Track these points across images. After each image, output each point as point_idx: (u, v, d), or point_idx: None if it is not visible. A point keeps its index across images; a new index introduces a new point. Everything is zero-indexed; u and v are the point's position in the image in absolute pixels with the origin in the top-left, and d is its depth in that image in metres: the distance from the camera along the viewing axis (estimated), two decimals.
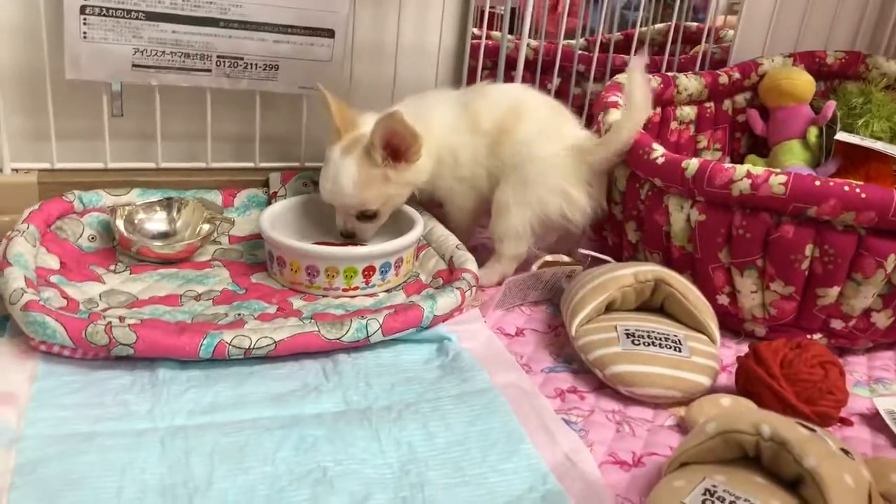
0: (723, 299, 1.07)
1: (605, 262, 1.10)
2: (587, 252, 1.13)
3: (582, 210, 1.15)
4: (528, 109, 1.17)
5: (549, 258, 1.12)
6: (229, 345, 0.89)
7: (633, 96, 1.11)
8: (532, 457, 0.80)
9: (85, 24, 1.11)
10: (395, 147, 1.09)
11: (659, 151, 1.09)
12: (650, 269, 1.02)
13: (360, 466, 0.77)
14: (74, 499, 0.70)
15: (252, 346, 0.90)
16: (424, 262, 1.17)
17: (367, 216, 1.14)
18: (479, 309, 1.07)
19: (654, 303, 1.04)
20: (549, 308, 1.13)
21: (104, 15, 1.12)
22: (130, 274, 1.08)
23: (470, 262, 1.11)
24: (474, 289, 1.07)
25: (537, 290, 1.11)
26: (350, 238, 1.16)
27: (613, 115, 1.19)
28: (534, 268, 1.12)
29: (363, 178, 1.10)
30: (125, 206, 1.15)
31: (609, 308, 1.02)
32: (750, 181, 0.99)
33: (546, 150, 1.14)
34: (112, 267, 1.09)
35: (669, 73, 1.45)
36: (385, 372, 0.93)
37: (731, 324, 1.08)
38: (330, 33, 1.24)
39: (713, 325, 0.99)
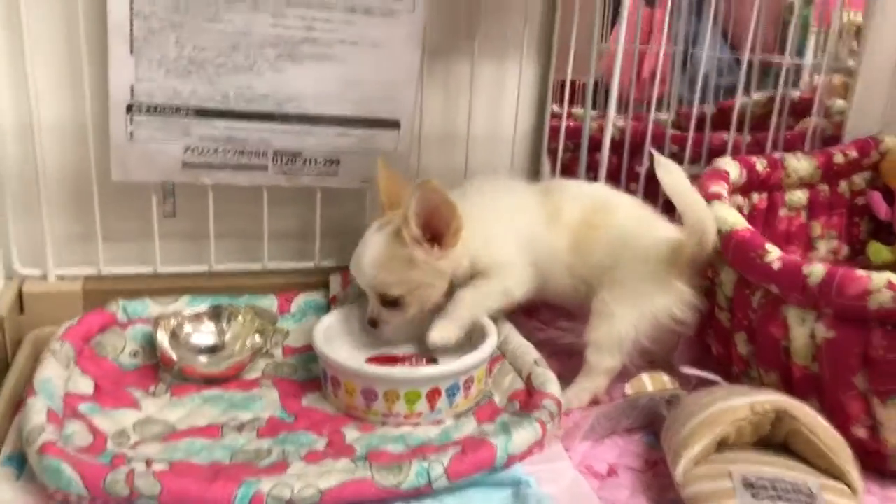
0: (860, 432, 0.88)
1: (713, 382, 0.93)
2: (691, 371, 0.96)
3: (694, 308, 1.01)
4: (616, 204, 1.07)
5: (644, 377, 0.96)
6: (268, 496, 0.76)
7: (686, 194, 0.99)
8: None
9: (131, 123, 1.04)
10: (435, 228, 0.97)
11: (774, 254, 0.92)
12: (769, 400, 0.85)
13: None
14: None
15: (293, 498, 0.77)
16: (499, 379, 1.02)
17: (389, 303, 1.00)
18: (562, 442, 0.91)
19: (776, 437, 0.86)
20: (646, 438, 0.96)
21: (152, 113, 1.04)
22: (171, 397, 0.97)
23: (551, 384, 0.95)
24: (556, 419, 0.92)
25: (630, 417, 0.95)
26: (374, 326, 1.03)
27: (715, 210, 1.03)
28: (627, 389, 0.95)
29: (385, 257, 0.98)
30: (171, 316, 1.05)
31: (721, 445, 0.85)
32: (892, 293, 0.81)
33: (646, 244, 1.02)
34: (152, 389, 0.98)
35: (776, 154, 1.29)
36: None
37: (872, 462, 0.89)
38: (395, 124, 1.14)
39: (853, 471, 0.81)
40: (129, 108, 1.03)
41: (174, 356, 0.99)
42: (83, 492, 0.75)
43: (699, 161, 1.41)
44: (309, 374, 1.04)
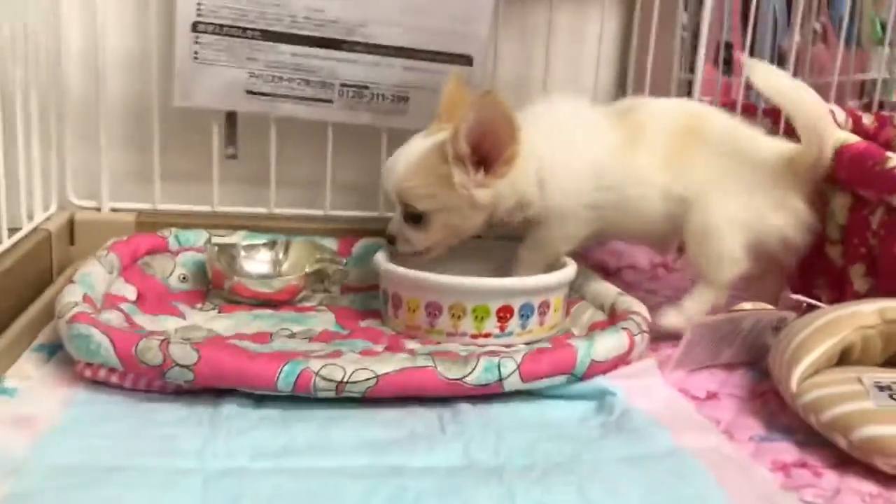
0: None
1: None
2: (800, 297, 0.84)
3: (809, 228, 0.88)
4: (710, 112, 0.94)
5: (747, 305, 0.84)
6: (316, 374, 0.67)
7: (798, 92, 0.86)
8: None
9: (197, 42, 1.00)
10: (488, 150, 0.84)
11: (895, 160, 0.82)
12: None
13: None
14: None
15: (346, 380, 0.67)
16: (577, 316, 0.91)
17: (412, 218, 0.87)
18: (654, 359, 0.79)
19: None
20: (750, 372, 0.83)
21: (218, 33, 1.00)
22: (219, 313, 0.89)
23: (638, 305, 0.85)
24: (646, 335, 0.80)
25: (733, 345, 0.82)
26: (391, 243, 0.90)
27: None
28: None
29: (421, 165, 0.86)
30: (226, 244, 0.98)
31: (843, 359, 0.72)
32: None
33: (758, 151, 0.89)
34: (199, 305, 0.91)
35: (884, 112, 1.18)
36: (524, 427, 0.67)
37: None
38: (468, 60, 1.08)
39: None
40: (196, 27, 1.00)
41: (225, 274, 0.92)
42: (113, 360, 0.67)
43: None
44: (368, 307, 0.95)
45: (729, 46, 1.77)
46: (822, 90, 1.32)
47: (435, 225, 0.87)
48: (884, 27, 1.36)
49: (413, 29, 1.05)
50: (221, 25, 1.00)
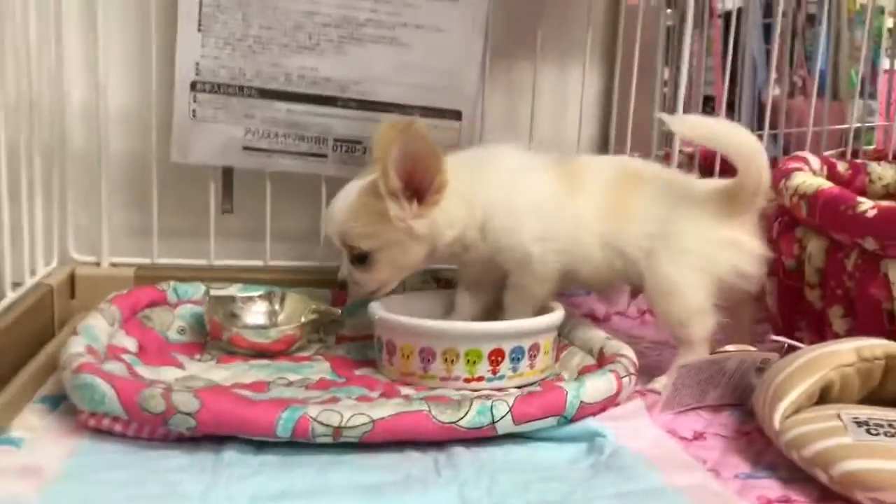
0: None
1: None
2: (781, 339, 0.87)
3: (759, 258, 0.90)
4: (644, 170, 0.96)
5: (730, 348, 0.86)
6: (314, 420, 0.69)
7: (730, 129, 0.90)
8: None
9: (195, 101, 1.04)
10: (417, 181, 0.86)
11: (867, 204, 0.85)
12: (879, 344, 0.76)
13: None
14: None
15: (343, 425, 0.69)
16: (567, 361, 0.94)
17: (358, 259, 0.90)
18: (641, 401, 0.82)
19: (888, 392, 0.76)
20: (735, 413, 0.85)
21: (216, 92, 1.04)
22: (217, 363, 0.91)
23: (625, 348, 0.87)
24: (633, 377, 0.83)
25: (718, 386, 0.85)
26: (343, 288, 0.94)
27: (797, 178, 0.97)
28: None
29: (357, 205, 0.89)
30: (223, 296, 1.00)
31: (824, 397, 0.75)
32: None
33: (691, 203, 0.91)
34: (198, 357, 0.93)
35: (858, 160, 1.22)
36: (517, 469, 0.69)
37: None
38: (456, 115, 1.12)
39: None
40: (194, 86, 1.04)
41: (223, 326, 0.94)
42: (117, 408, 0.69)
43: None
44: (362, 357, 0.97)
45: (710, 100, 1.83)
46: (801, 139, 1.38)
47: (381, 262, 0.90)
48: (863, 81, 1.43)
49: (405, 85, 1.09)
50: (219, 84, 1.04)
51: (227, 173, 1.12)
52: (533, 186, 0.92)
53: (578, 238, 0.91)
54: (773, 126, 1.57)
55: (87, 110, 1.08)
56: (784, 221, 1.00)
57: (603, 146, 1.24)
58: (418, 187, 0.87)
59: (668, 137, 1.22)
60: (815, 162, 1.10)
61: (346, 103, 1.08)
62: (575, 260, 0.92)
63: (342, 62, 1.06)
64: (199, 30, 1.02)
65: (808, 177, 0.96)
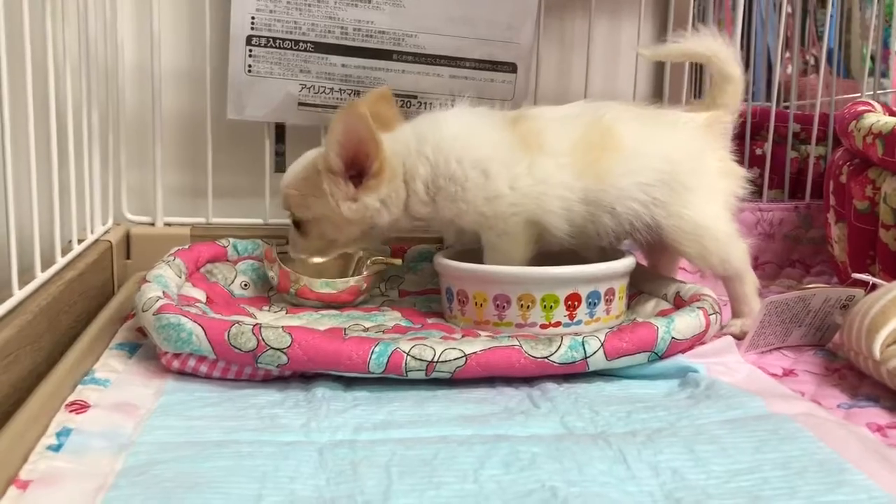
0: None
1: None
2: (864, 276, 0.85)
3: (744, 180, 0.92)
4: (613, 121, 0.88)
5: (811, 286, 0.85)
6: (407, 354, 0.67)
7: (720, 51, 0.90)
8: (872, 489, 0.52)
9: (250, 55, 1.03)
10: (358, 163, 0.85)
11: None
12: None
13: (602, 489, 0.51)
14: (195, 502, 0.48)
15: (437, 359, 0.68)
16: (639, 307, 0.92)
17: (295, 224, 0.92)
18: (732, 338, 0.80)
19: None
20: (818, 353, 0.84)
21: (271, 46, 1.03)
22: (287, 313, 0.90)
23: (706, 290, 0.85)
24: (719, 316, 0.81)
25: (801, 325, 0.83)
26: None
27: (870, 119, 0.95)
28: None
29: (302, 175, 0.89)
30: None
31: None
32: None
33: (676, 144, 0.89)
34: (266, 308, 0.91)
35: None
36: (614, 401, 0.68)
37: None
38: (511, 67, 1.10)
39: None
40: (249, 40, 1.02)
41: (291, 277, 0.93)
42: (206, 347, 0.68)
43: (825, 140, 1.33)
44: (429, 309, 0.95)
45: None
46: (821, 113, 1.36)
47: (312, 232, 0.91)
48: (873, 58, 1.42)
49: (460, 38, 1.07)
50: (274, 38, 1.03)
51: (281, 131, 1.10)
52: (473, 148, 0.87)
53: (542, 191, 0.86)
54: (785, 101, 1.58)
55: (140, 68, 1.07)
56: (854, 165, 0.99)
57: (657, 98, 1.22)
58: (360, 170, 0.86)
59: None
60: (878, 107, 1.08)
61: (402, 57, 1.06)
62: (544, 212, 0.86)
63: (398, 15, 1.05)
64: None
65: (881, 116, 0.94)
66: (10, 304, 0.64)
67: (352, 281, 0.95)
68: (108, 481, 0.50)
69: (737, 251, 0.89)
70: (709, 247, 0.88)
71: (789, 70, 1.63)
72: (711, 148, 0.91)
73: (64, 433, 0.56)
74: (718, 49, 0.90)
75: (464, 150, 0.86)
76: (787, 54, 1.71)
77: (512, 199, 0.86)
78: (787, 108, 1.50)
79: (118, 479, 0.50)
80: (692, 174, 0.88)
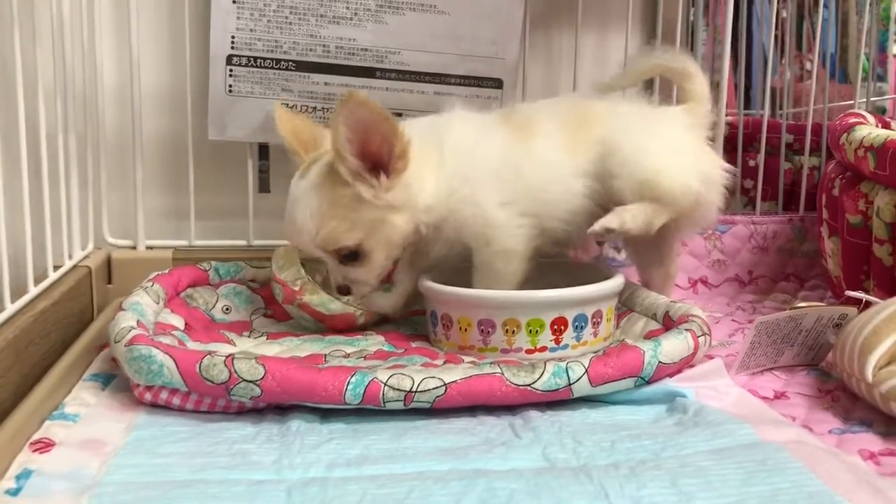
0: None
1: None
2: (857, 294, 0.83)
3: (720, 166, 0.91)
4: (599, 104, 0.92)
5: (801, 304, 0.83)
6: (385, 384, 0.65)
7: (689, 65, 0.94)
8: None
9: (231, 75, 1.01)
10: (375, 153, 0.79)
11: None
12: None
13: None
14: None
15: (415, 388, 0.66)
16: (628, 327, 0.90)
17: (349, 258, 0.82)
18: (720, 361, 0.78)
19: None
20: (811, 372, 0.82)
21: (252, 65, 1.01)
22: (267, 339, 0.88)
23: (695, 309, 0.83)
24: (708, 338, 0.79)
25: (794, 344, 0.81)
26: (349, 292, 0.86)
27: (861, 131, 0.93)
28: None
29: (326, 202, 0.79)
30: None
31: None
32: None
33: (655, 118, 0.92)
34: (246, 333, 0.89)
35: None
36: (598, 429, 0.66)
37: None
38: (497, 83, 1.09)
39: None
40: (229, 60, 1.01)
41: (296, 287, 0.89)
42: (177, 380, 0.66)
43: (818, 151, 1.31)
44: (415, 331, 0.93)
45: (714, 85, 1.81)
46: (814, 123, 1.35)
47: (374, 249, 0.82)
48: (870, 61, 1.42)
49: (444, 54, 1.06)
50: (255, 58, 1.01)
51: (264, 151, 1.09)
52: (487, 150, 0.86)
53: (548, 181, 0.86)
54: (780, 108, 1.57)
55: (120, 90, 1.05)
56: (846, 178, 0.97)
57: None
58: (378, 159, 0.79)
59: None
60: (871, 120, 1.07)
61: (385, 74, 1.05)
62: (549, 211, 0.86)
63: (380, 32, 1.03)
64: (234, 1, 0.99)
65: (873, 128, 0.93)
66: None
67: (350, 308, 0.91)
68: None
69: (681, 191, 0.87)
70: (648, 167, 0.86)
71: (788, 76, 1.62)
72: (684, 128, 0.91)
73: (24, 475, 0.54)
74: (668, 60, 0.94)
75: (478, 150, 0.85)
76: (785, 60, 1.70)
77: (526, 205, 0.85)
78: (788, 115, 1.48)
79: None
80: (663, 136, 0.89)
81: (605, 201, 0.88)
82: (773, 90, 1.54)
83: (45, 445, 0.59)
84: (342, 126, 0.76)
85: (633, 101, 0.95)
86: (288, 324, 0.94)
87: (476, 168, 0.85)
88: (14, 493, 0.52)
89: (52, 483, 0.53)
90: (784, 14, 1.77)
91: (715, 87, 1.74)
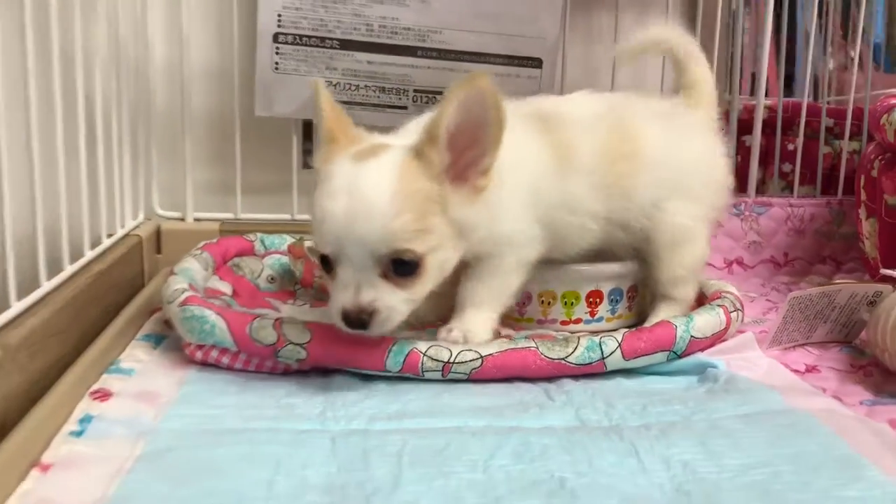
0: None
1: None
2: (892, 272, 0.84)
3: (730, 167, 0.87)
4: (632, 118, 0.83)
5: (837, 281, 0.84)
6: (424, 355, 0.68)
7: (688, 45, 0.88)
8: (887, 485, 0.51)
9: (277, 53, 1.04)
10: (461, 159, 0.66)
11: None
12: None
13: (612, 481, 0.52)
14: (208, 487, 0.49)
15: (453, 360, 0.68)
16: None
17: (403, 271, 0.64)
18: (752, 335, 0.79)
19: None
20: (844, 349, 0.83)
21: (297, 44, 1.04)
22: (311, 307, 0.91)
23: (729, 286, 0.85)
24: (741, 313, 0.80)
25: (827, 321, 0.82)
26: (360, 326, 0.64)
27: None
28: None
29: (409, 189, 0.64)
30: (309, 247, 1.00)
31: None
32: None
33: (682, 121, 0.85)
34: (290, 301, 0.93)
35: None
36: (630, 395, 0.67)
37: None
38: (537, 62, 1.10)
39: None
40: (276, 38, 1.03)
41: (315, 273, 0.94)
42: (227, 340, 0.69)
43: (859, 135, 1.31)
44: (450, 303, 0.95)
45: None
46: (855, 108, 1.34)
47: (430, 270, 0.66)
48: None
49: (485, 34, 1.08)
50: (301, 36, 1.04)
51: (308, 127, 1.12)
52: (531, 169, 0.75)
53: (571, 217, 0.79)
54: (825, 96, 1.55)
55: (169, 66, 1.09)
56: (886, 159, 0.97)
57: None
58: (461, 166, 0.67)
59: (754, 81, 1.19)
60: None
61: (427, 53, 1.07)
62: (558, 238, 0.79)
63: (423, 12, 1.05)
64: None
65: None
66: (36, 295, 0.66)
67: None
68: (126, 466, 0.51)
69: (695, 283, 0.85)
70: (686, 261, 0.83)
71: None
72: (705, 132, 0.86)
73: (86, 419, 0.57)
74: (673, 37, 0.88)
75: (515, 160, 0.73)
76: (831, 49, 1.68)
77: (546, 230, 0.77)
78: (828, 103, 1.47)
79: (136, 464, 0.52)
80: (693, 178, 0.83)
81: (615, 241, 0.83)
82: (816, 78, 1.53)
83: (103, 395, 0.62)
84: (454, 110, 0.64)
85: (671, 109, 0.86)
86: None
87: (516, 174, 0.73)
88: (78, 434, 0.55)
89: (111, 427, 0.57)
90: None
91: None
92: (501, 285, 0.77)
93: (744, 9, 1.35)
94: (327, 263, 0.67)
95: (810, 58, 1.27)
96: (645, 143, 0.81)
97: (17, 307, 0.62)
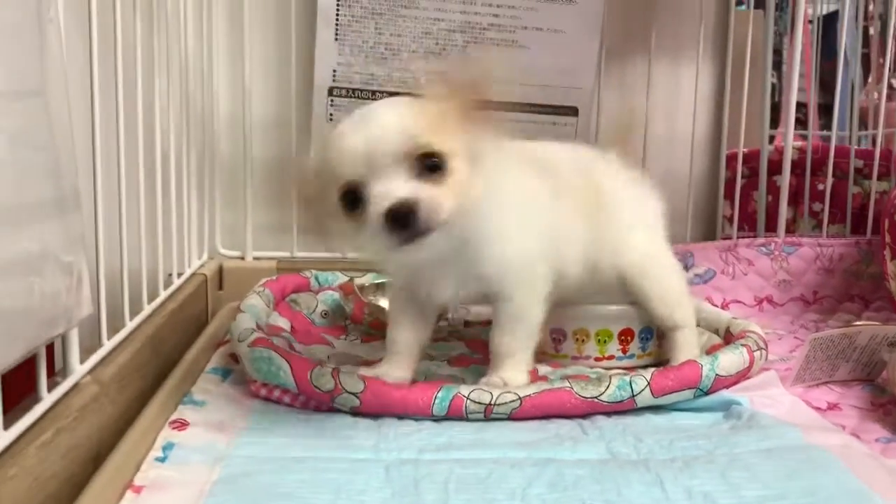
0: None
1: None
2: None
3: None
4: (596, 162, 0.93)
5: (860, 323, 0.88)
6: (467, 398, 0.74)
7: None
8: None
9: (332, 105, 1.12)
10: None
11: None
12: None
13: None
14: None
15: (494, 402, 0.74)
16: None
17: (431, 168, 0.67)
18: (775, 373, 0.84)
19: None
20: (866, 387, 0.87)
21: (350, 97, 1.12)
22: (361, 342, 0.98)
23: (753, 325, 0.90)
24: (764, 352, 0.85)
25: (849, 360, 0.87)
26: (406, 224, 0.65)
27: None
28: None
29: (430, 108, 0.69)
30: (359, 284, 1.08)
31: None
32: None
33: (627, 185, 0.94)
34: (343, 337, 1.00)
35: None
36: (659, 431, 0.73)
37: None
38: (573, 111, 1.17)
39: None
40: (331, 91, 1.12)
41: (365, 310, 1.01)
42: (290, 381, 0.76)
43: (888, 176, 1.35)
44: None
45: (802, 105, 1.83)
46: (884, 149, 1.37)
47: (456, 173, 0.68)
48: None
49: (524, 85, 1.15)
50: (353, 89, 1.12)
51: None
52: (528, 200, 0.81)
53: (564, 242, 0.84)
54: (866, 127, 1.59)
55: (233, 118, 1.18)
56: None
57: (716, 140, 1.27)
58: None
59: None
60: None
61: None
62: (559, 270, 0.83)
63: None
64: (336, 39, 1.10)
65: None
66: (122, 334, 0.74)
67: None
68: (206, 489, 0.58)
69: (690, 304, 0.92)
70: (673, 289, 0.91)
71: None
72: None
73: (168, 447, 0.65)
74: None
75: (519, 197, 0.79)
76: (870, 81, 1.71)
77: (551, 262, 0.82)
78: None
79: (214, 487, 0.59)
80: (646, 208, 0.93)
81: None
82: (860, 111, 1.57)
83: (181, 424, 0.70)
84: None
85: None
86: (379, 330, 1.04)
87: (522, 234, 0.80)
88: (162, 460, 0.63)
89: (190, 455, 0.64)
90: (871, 32, 1.77)
91: (799, 107, 1.78)
92: (526, 329, 0.82)
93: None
94: (352, 199, 0.67)
95: (838, 91, 1.31)
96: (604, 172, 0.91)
97: (107, 345, 0.70)
